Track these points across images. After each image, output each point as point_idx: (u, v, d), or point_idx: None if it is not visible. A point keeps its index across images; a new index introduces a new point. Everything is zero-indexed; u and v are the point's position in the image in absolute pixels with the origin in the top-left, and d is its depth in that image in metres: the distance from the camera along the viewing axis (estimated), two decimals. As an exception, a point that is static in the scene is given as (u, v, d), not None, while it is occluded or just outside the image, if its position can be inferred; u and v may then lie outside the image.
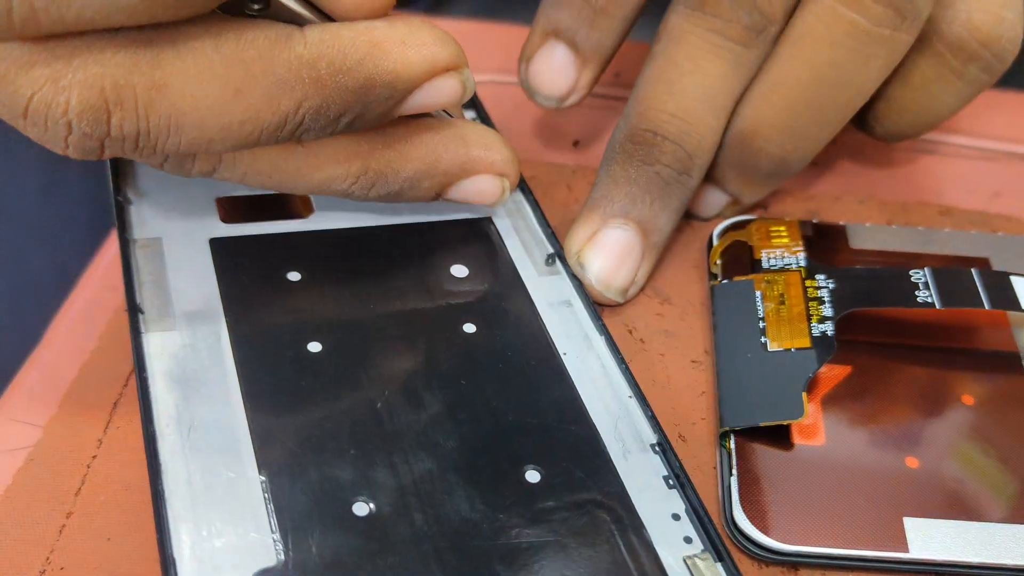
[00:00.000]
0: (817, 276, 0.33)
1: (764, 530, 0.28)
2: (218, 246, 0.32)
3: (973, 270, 0.32)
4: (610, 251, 0.33)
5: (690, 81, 0.33)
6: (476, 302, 0.32)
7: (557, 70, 0.35)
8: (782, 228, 0.35)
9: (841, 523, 0.28)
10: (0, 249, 0.50)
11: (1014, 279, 0.32)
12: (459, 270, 0.33)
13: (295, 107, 0.27)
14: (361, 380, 0.29)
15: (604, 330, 0.31)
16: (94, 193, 0.48)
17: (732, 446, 0.29)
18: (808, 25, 0.32)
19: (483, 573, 0.25)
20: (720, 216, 0.37)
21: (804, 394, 0.29)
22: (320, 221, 0.34)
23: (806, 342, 0.31)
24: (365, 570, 0.25)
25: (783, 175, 0.35)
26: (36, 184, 0.49)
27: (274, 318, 0.31)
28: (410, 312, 0.31)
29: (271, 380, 0.29)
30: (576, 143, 0.39)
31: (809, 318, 0.32)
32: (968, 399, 0.31)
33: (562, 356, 0.31)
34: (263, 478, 0.27)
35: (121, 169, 0.34)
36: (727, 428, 0.30)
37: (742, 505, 0.28)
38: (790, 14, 0.33)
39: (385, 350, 0.30)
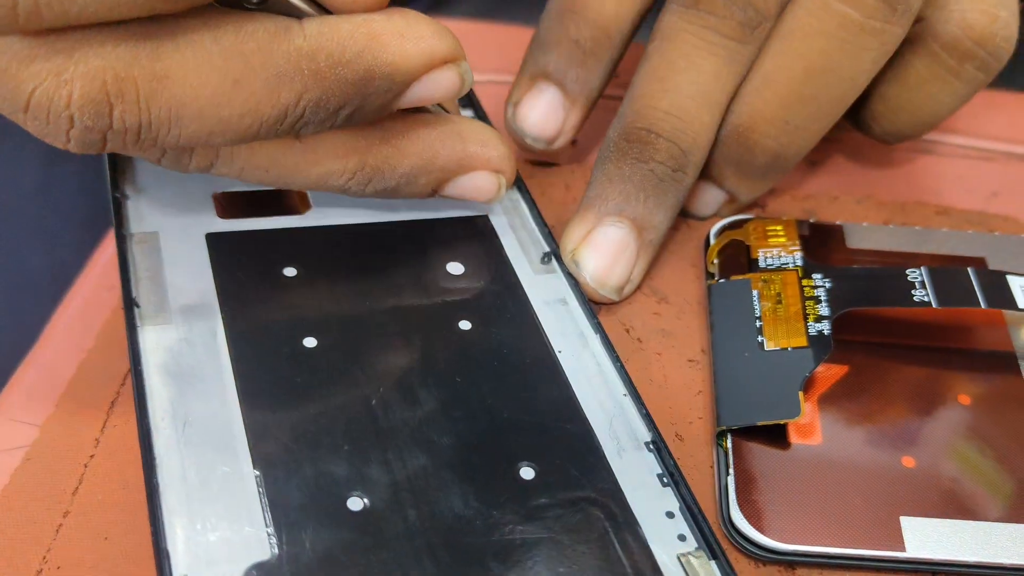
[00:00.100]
0: (814, 275, 0.33)
1: (761, 529, 0.28)
2: (215, 241, 0.32)
3: (969, 269, 0.32)
4: (605, 249, 0.33)
5: (684, 78, 0.33)
6: (472, 299, 0.32)
7: (546, 112, 0.36)
8: (779, 227, 0.35)
9: (838, 522, 0.28)
10: (-3, 248, 0.50)
11: (1010, 278, 0.32)
12: (455, 267, 0.33)
13: (295, 99, 0.27)
14: (356, 376, 0.29)
15: (599, 328, 0.31)
16: (91, 191, 0.48)
17: (729, 445, 0.29)
18: (799, 19, 0.33)
19: (476, 569, 0.25)
20: (717, 215, 0.37)
21: (801, 393, 0.29)
22: (317, 217, 0.34)
23: (803, 341, 0.31)
24: (358, 565, 0.25)
25: (779, 170, 0.35)
26: (33, 182, 0.49)
27: (270, 314, 0.31)
28: (406, 308, 0.31)
29: (266, 375, 0.29)
30: (574, 142, 0.39)
31: (806, 317, 0.32)
32: (964, 398, 0.31)
33: (557, 354, 0.31)
34: (258, 473, 0.27)
35: (119, 165, 0.34)
36: (724, 427, 0.30)
37: (739, 504, 0.28)
38: (783, 9, 0.33)
39: (380, 346, 0.30)
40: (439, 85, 0.29)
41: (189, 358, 0.29)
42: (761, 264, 0.34)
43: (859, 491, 0.28)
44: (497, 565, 0.25)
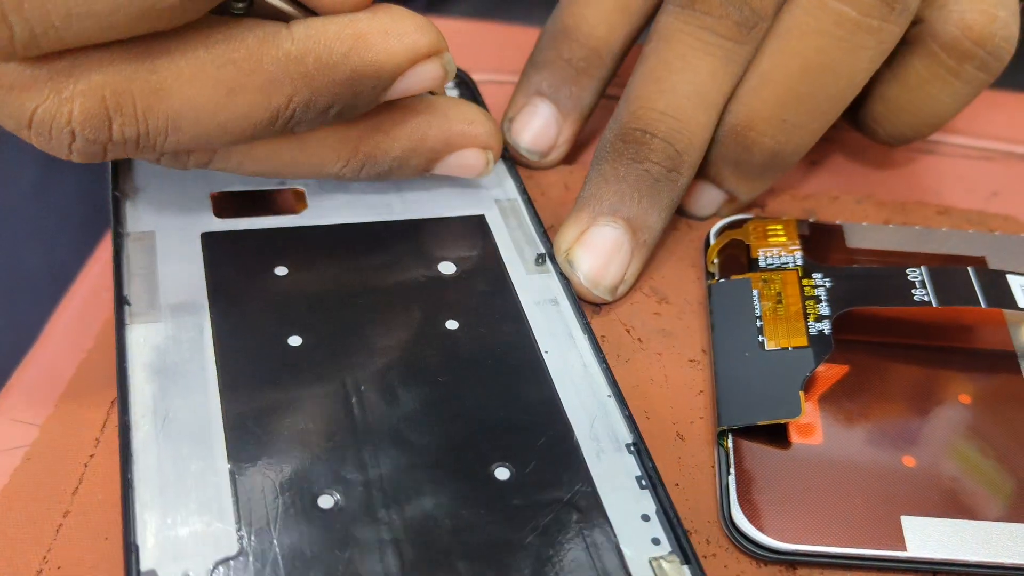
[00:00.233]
0: (814, 275, 0.33)
1: (762, 529, 0.28)
2: (209, 240, 0.33)
3: (969, 268, 0.32)
4: (599, 249, 0.33)
5: (680, 79, 0.33)
6: (461, 299, 0.32)
7: (540, 126, 0.37)
8: (779, 227, 0.35)
9: (839, 522, 0.28)
10: (-4, 248, 0.50)
11: (1011, 278, 0.32)
12: (447, 267, 0.33)
13: (286, 102, 0.28)
14: (338, 375, 0.29)
15: (588, 329, 0.31)
16: (89, 192, 0.48)
17: (730, 445, 0.29)
18: (796, 18, 0.33)
19: (442, 569, 0.25)
20: (717, 215, 0.37)
21: (801, 393, 0.29)
22: (313, 216, 0.34)
23: (803, 341, 0.31)
24: (323, 562, 0.25)
25: (778, 169, 0.35)
26: (31, 182, 0.49)
27: (257, 311, 0.31)
28: (393, 308, 0.31)
29: (249, 373, 0.29)
30: (575, 142, 0.39)
31: (806, 317, 0.32)
32: (965, 398, 0.31)
33: (543, 354, 0.31)
34: (232, 469, 0.27)
35: (119, 166, 0.34)
36: (725, 427, 0.30)
37: (740, 504, 0.28)
38: (780, 9, 0.33)
39: (364, 345, 0.30)
40: (423, 77, 0.30)
41: (175, 355, 0.29)
42: (761, 264, 0.34)
43: (860, 491, 0.28)
44: (464, 565, 0.25)
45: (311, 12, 0.29)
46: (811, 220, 0.36)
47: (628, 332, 0.33)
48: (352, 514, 0.26)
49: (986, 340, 0.33)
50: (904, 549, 0.27)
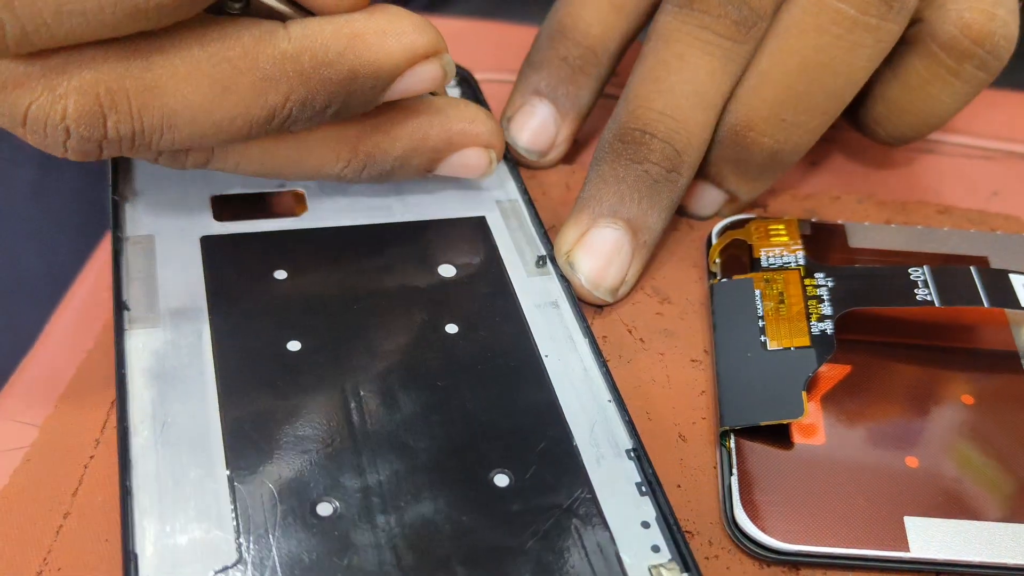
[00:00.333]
0: (816, 275, 0.33)
1: (765, 529, 0.28)
2: (208, 244, 0.32)
3: (972, 268, 0.32)
4: (599, 251, 0.33)
5: (679, 79, 0.33)
6: (461, 302, 0.32)
7: (538, 126, 0.37)
8: (781, 227, 0.35)
9: (842, 522, 0.28)
10: (-5, 249, 0.50)
11: (1013, 277, 0.32)
12: (447, 270, 0.33)
13: (282, 101, 0.28)
14: (337, 380, 0.29)
15: (589, 332, 0.31)
16: (87, 194, 0.48)
17: (732, 445, 0.29)
18: (795, 17, 0.33)
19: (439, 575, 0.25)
20: (719, 215, 0.37)
21: (804, 393, 0.29)
22: (313, 219, 0.34)
23: (805, 341, 0.31)
24: (322, 570, 0.25)
25: (778, 168, 0.35)
26: (29, 184, 0.49)
27: (256, 316, 0.31)
28: (393, 311, 0.31)
29: (248, 378, 0.29)
30: (575, 142, 0.39)
31: (808, 317, 0.31)
32: (967, 398, 0.31)
33: (543, 358, 0.30)
34: (231, 476, 0.27)
35: (119, 168, 0.34)
36: (727, 427, 0.30)
37: (743, 504, 0.28)
38: (779, 8, 0.33)
39: (364, 350, 0.30)
40: (422, 78, 0.30)
41: (173, 360, 0.29)
42: (763, 263, 0.34)
43: (863, 491, 0.28)
44: (463, 572, 0.25)
45: (308, 12, 0.29)
46: (813, 220, 0.36)
47: (630, 332, 0.33)
48: (351, 521, 0.26)
49: (989, 340, 0.33)
50: (907, 550, 0.27)
